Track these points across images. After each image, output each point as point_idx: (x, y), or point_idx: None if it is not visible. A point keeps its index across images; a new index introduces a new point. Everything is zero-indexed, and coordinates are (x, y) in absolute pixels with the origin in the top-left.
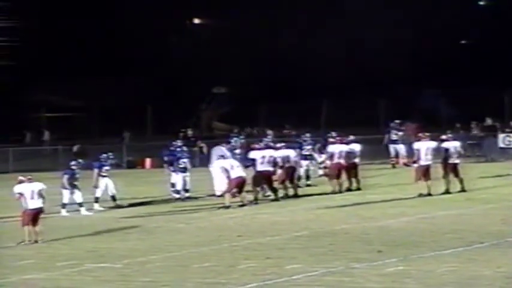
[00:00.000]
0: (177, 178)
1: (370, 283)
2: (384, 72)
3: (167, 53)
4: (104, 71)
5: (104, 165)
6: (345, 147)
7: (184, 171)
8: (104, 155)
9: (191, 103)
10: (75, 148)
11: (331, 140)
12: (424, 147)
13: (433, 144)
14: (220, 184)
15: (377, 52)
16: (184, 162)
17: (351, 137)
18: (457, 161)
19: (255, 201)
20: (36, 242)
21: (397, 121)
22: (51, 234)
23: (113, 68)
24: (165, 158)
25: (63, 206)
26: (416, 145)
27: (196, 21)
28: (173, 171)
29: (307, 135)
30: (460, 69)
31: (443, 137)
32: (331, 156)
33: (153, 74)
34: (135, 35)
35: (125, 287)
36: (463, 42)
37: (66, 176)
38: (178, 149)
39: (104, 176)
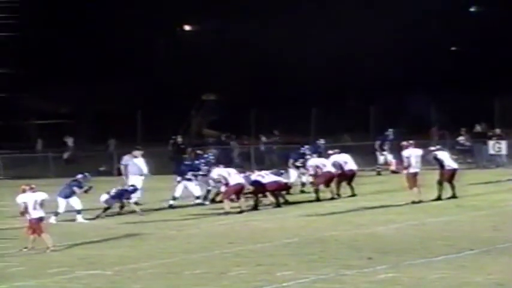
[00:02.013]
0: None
1: None
2: (374, 79)
3: (157, 59)
4: (93, 78)
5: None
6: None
7: (189, 181)
8: (80, 176)
9: (181, 110)
10: (65, 155)
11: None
12: (414, 154)
13: (421, 151)
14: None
15: (367, 59)
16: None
17: (336, 151)
18: (455, 166)
19: (256, 206)
20: (48, 248)
21: (391, 130)
22: (42, 242)
23: (102, 75)
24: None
25: (56, 214)
26: (406, 153)
27: (187, 27)
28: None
29: (306, 146)
30: (450, 76)
31: (431, 148)
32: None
33: (142, 80)
34: (125, 41)
35: None
36: (453, 49)
37: (71, 188)
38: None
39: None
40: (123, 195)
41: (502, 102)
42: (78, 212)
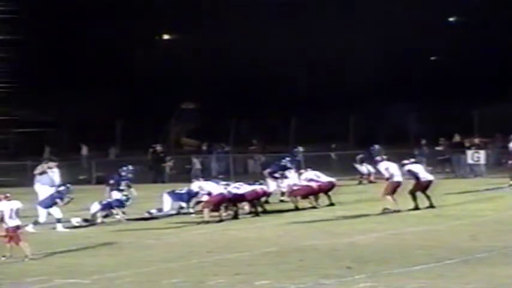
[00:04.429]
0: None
1: None
2: (354, 89)
3: (136, 68)
4: (73, 86)
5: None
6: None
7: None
8: (63, 187)
9: (160, 119)
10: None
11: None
12: (393, 165)
13: (395, 165)
14: None
15: (347, 68)
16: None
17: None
18: (430, 178)
19: (236, 215)
20: (26, 257)
21: (377, 146)
22: (20, 250)
23: (82, 83)
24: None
25: (35, 222)
26: (383, 165)
27: (165, 36)
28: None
29: (287, 159)
30: (430, 85)
31: (405, 161)
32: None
33: (121, 89)
34: (104, 50)
35: None
36: (432, 58)
37: (53, 199)
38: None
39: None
40: (113, 204)
41: (481, 112)
42: (58, 220)
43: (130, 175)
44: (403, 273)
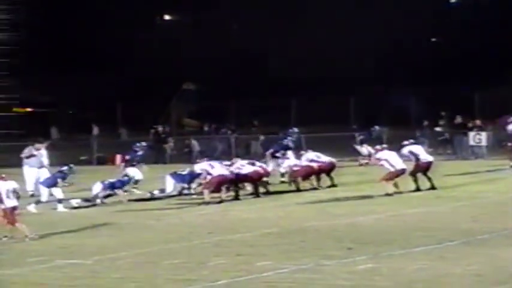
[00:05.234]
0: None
1: (340, 280)
2: (354, 70)
3: (137, 49)
4: (74, 67)
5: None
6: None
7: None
8: (65, 167)
9: (162, 99)
10: (45, 144)
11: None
12: (392, 154)
13: (394, 153)
14: None
15: (348, 50)
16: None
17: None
18: (431, 159)
19: (237, 196)
20: (26, 237)
21: (377, 127)
22: (18, 231)
23: (83, 64)
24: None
25: (37, 202)
26: (382, 155)
27: (167, 17)
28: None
29: (290, 138)
30: (431, 67)
31: (405, 142)
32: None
33: (123, 70)
34: (105, 31)
35: (95, 283)
36: (433, 40)
37: (55, 179)
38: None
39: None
40: (116, 185)
41: (482, 94)
42: (60, 201)
43: (142, 152)
44: (404, 255)
